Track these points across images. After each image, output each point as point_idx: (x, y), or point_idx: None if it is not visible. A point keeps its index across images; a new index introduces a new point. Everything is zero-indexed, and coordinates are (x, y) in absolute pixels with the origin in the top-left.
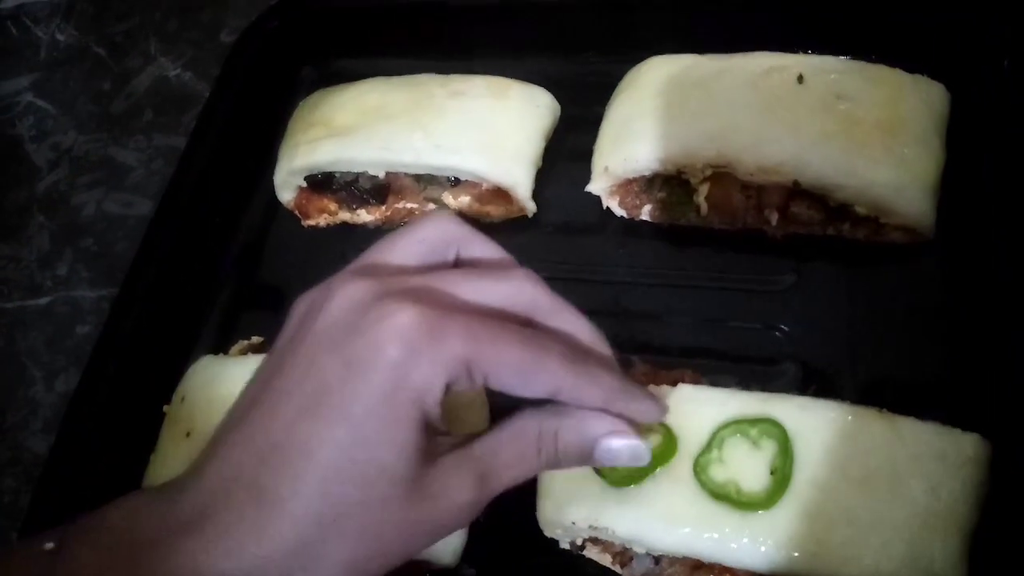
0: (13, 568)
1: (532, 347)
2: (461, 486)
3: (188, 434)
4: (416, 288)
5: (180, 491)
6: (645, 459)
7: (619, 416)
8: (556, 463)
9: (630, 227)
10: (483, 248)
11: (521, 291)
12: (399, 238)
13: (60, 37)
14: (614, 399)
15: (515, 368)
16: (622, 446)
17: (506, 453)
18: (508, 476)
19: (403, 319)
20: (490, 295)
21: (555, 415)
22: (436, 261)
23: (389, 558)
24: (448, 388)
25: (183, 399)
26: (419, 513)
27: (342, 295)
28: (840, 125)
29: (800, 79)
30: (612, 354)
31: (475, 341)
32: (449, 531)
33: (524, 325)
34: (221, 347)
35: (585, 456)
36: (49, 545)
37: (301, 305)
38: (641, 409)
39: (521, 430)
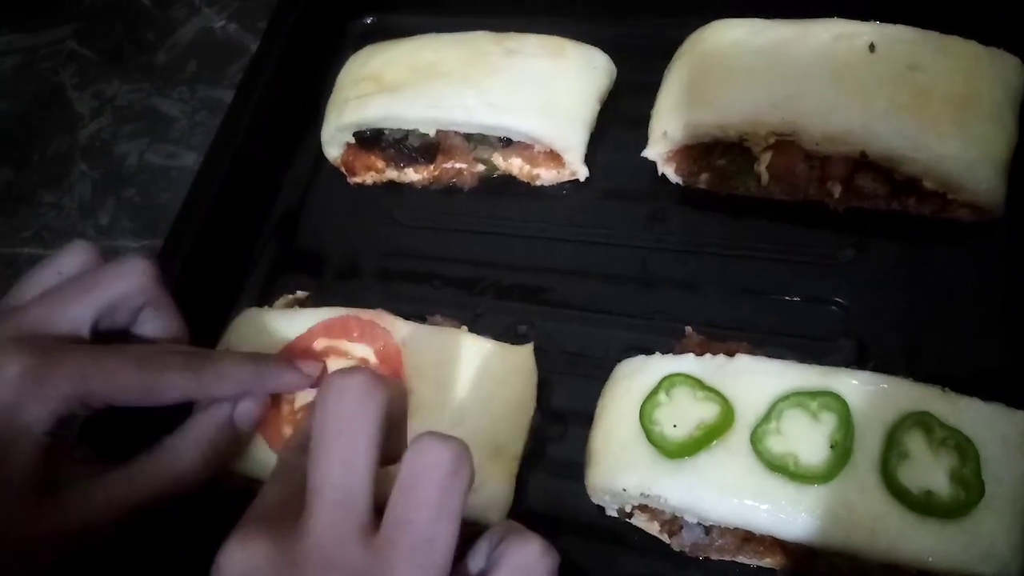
0: None
1: (150, 368)
2: (88, 502)
3: None
4: (32, 333)
5: None
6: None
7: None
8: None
9: (685, 195)
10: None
11: (129, 295)
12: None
13: None
14: (250, 385)
15: (134, 391)
16: (250, 405)
17: (137, 479)
18: (140, 498)
19: (11, 371)
20: (90, 307)
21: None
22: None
23: (21, 561)
24: (66, 418)
25: (227, 350)
26: (47, 524)
27: None
28: (911, 96)
29: (871, 48)
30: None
31: (84, 379)
32: (88, 542)
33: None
34: (263, 301)
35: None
36: None
37: None
38: (283, 383)
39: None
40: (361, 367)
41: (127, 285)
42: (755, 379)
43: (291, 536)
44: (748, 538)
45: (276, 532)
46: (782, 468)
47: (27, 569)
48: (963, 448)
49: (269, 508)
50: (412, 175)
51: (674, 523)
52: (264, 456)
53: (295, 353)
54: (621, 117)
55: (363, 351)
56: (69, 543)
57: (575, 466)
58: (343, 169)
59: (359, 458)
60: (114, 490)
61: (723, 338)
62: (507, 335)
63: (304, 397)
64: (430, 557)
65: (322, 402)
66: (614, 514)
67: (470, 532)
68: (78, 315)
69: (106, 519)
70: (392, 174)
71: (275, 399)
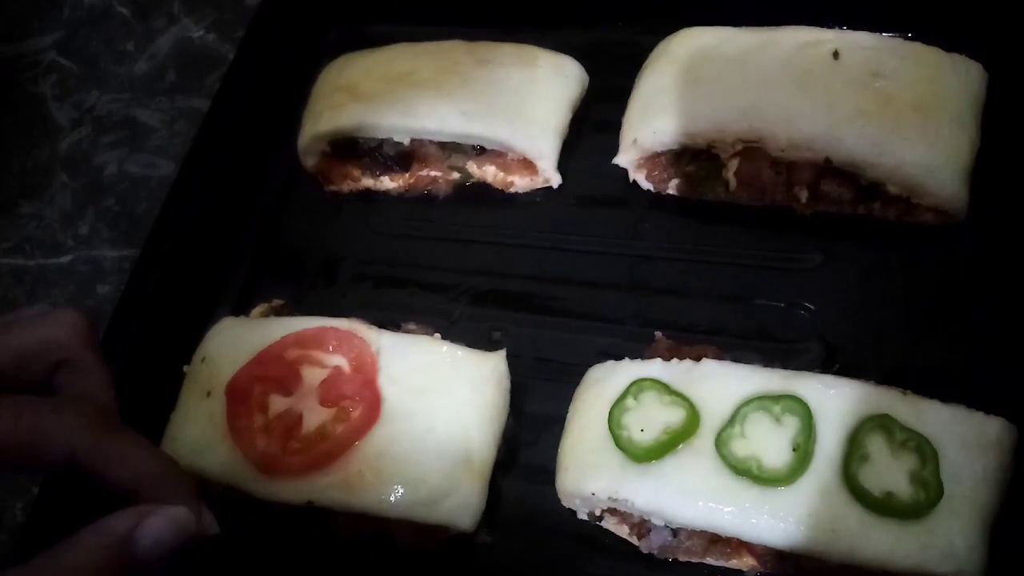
0: None
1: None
2: None
3: (208, 394)
4: None
5: None
6: (190, 526)
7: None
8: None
9: (655, 201)
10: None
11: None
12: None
13: None
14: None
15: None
16: (161, 527)
17: None
18: None
19: None
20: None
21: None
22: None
23: None
24: None
25: (204, 359)
26: None
27: None
28: (875, 103)
29: (836, 55)
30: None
31: None
32: None
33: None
34: (241, 310)
35: (133, 553)
36: None
37: None
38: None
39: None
40: None
41: (42, 335)
42: (720, 383)
43: None
44: (715, 540)
45: None
46: (746, 471)
47: None
48: (923, 450)
49: None
50: (388, 183)
51: (643, 526)
52: (239, 465)
53: (267, 361)
54: (593, 124)
55: (337, 360)
56: None
57: (547, 471)
58: (320, 178)
59: None
60: None
61: (693, 342)
62: (482, 341)
63: (279, 406)
64: None
65: None
66: (585, 517)
67: (440, 536)
68: None
69: None
70: (368, 182)
71: (251, 406)
